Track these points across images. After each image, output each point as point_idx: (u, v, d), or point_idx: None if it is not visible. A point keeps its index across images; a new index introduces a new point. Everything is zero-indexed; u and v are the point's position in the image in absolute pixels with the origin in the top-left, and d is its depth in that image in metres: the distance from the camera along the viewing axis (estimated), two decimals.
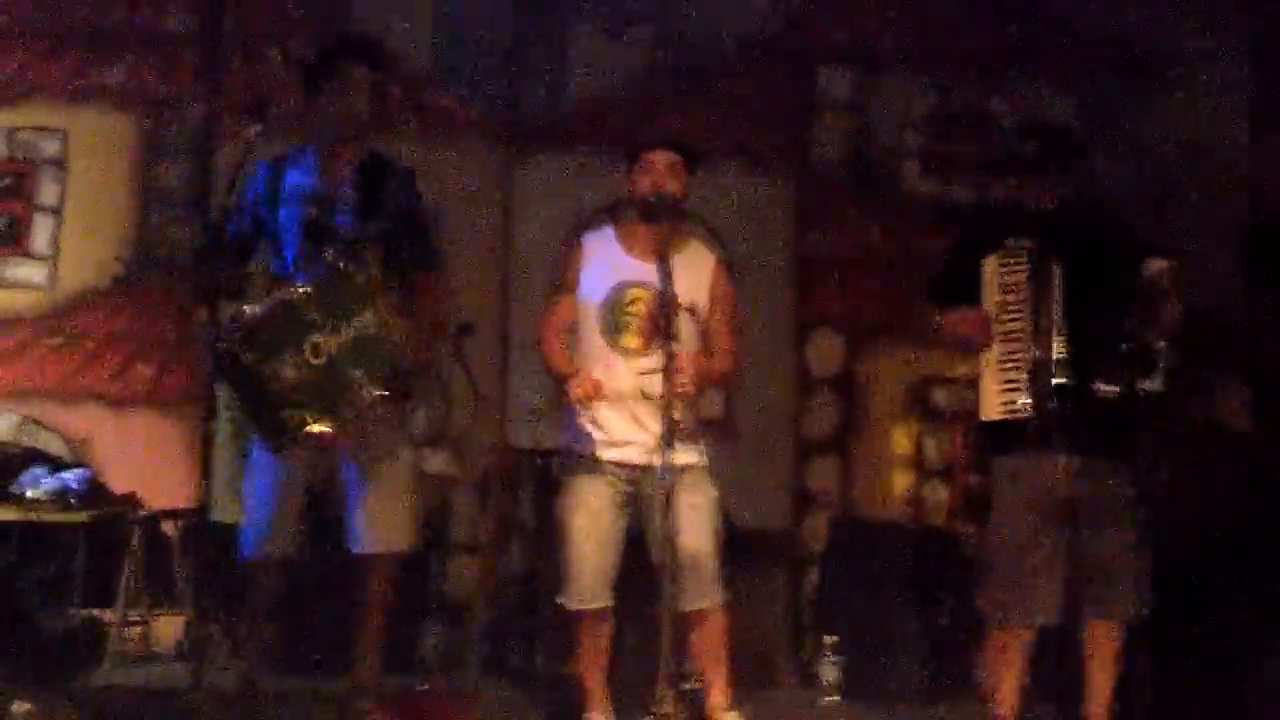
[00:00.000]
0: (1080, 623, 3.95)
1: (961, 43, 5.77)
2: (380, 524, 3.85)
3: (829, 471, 5.65)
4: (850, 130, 5.78)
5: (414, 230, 3.89)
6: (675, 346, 3.65)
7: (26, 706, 3.22)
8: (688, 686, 4.40)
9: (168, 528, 4.71)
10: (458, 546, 5.09)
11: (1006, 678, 3.96)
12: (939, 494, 5.65)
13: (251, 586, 3.87)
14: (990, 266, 3.93)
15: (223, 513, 4.98)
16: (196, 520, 4.76)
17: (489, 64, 5.53)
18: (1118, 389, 3.76)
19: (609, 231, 4.09)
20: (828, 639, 4.80)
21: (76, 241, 5.26)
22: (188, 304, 4.79)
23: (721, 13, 5.64)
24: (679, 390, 3.66)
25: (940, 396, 5.67)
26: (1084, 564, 3.89)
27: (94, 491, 4.65)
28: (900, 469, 5.69)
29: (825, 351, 5.72)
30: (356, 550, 3.85)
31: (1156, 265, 3.82)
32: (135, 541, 4.54)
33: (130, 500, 4.69)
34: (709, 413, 4.54)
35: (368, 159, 3.91)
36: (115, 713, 3.03)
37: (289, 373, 3.51)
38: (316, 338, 3.55)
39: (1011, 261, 3.90)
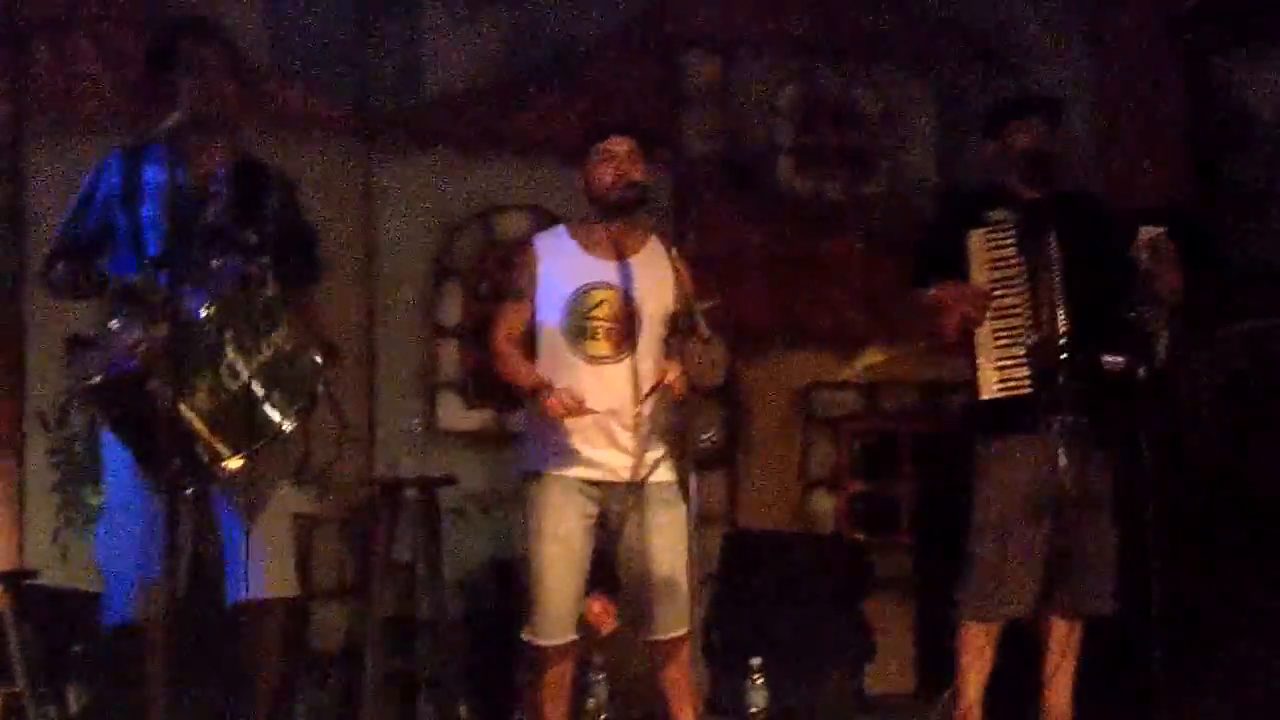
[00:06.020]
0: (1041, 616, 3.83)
1: (819, 31, 5.59)
2: (274, 567, 3.42)
3: (718, 486, 5.36)
4: (719, 124, 5.51)
5: (299, 240, 3.49)
6: (655, 351, 3.53)
7: None
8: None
9: None
10: (324, 593, 4.62)
11: (974, 672, 3.81)
12: (826, 503, 5.44)
13: (133, 653, 3.35)
14: (976, 240, 3.77)
15: (49, 575, 4.45)
16: (26, 586, 4.19)
17: (334, 54, 5.02)
18: (1124, 360, 3.63)
19: (562, 231, 3.77)
20: (754, 661, 4.51)
21: None
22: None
23: None
24: (674, 397, 3.48)
25: (824, 402, 5.47)
26: (1061, 557, 3.75)
27: None
28: (788, 478, 5.44)
29: None
30: (248, 597, 3.38)
31: (1150, 232, 3.70)
32: None
33: None
34: None
35: (240, 160, 3.49)
36: None
37: (203, 401, 3.06)
38: (231, 359, 3.11)
39: (1000, 233, 3.76)
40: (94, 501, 4.59)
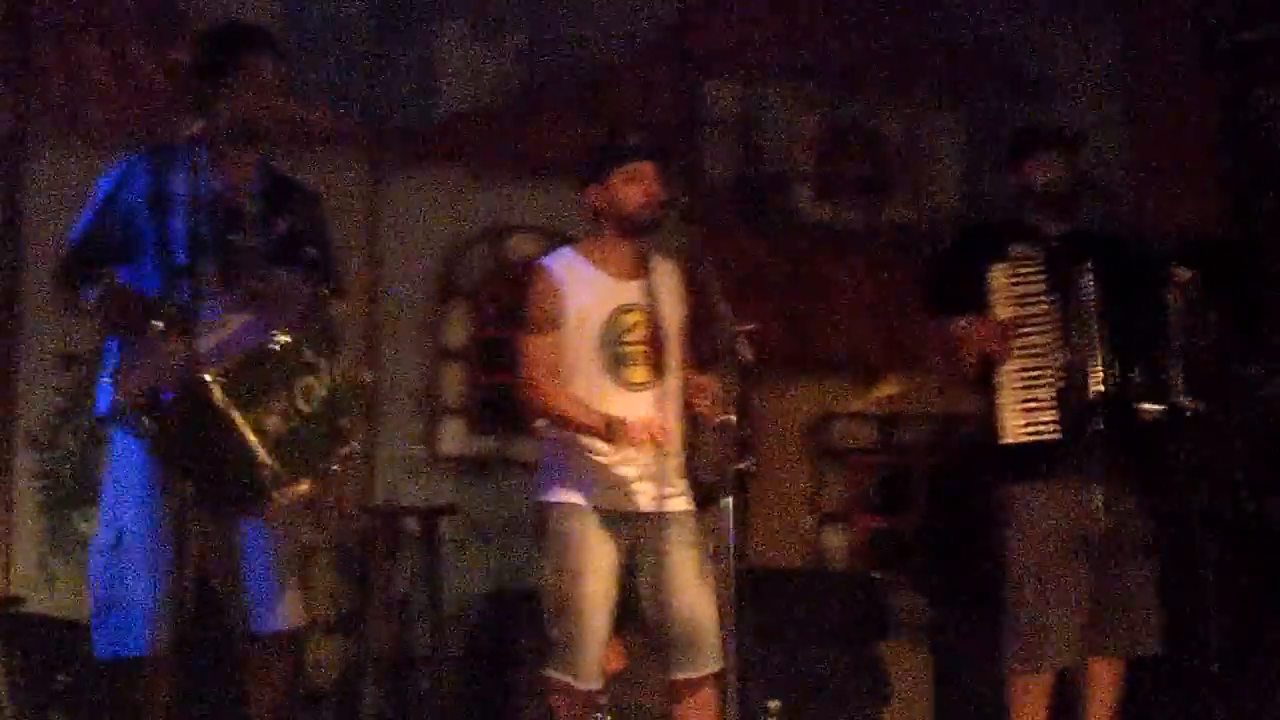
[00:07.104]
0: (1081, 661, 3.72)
1: (845, 58, 5.49)
2: (294, 597, 3.31)
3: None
4: (739, 149, 5.40)
5: (326, 257, 3.39)
6: (679, 369, 3.45)
7: None
8: None
9: None
10: (318, 625, 4.49)
11: None
12: (839, 539, 5.30)
13: (136, 688, 3.17)
14: (1000, 276, 3.64)
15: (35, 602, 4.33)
16: (11, 614, 4.08)
17: (347, 70, 4.93)
18: (1163, 408, 3.50)
19: (571, 253, 3.61)
20: (771, 704, 4.35)
21: None
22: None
23: (599, 16, 5.18)
24: (714, 419, 3.38)
25: (838, 433, 5.33)
26: (1102, 599, 3.64)
27: None
28: (800, 512, 5.30)
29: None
30: (276, 629, 3.29)
31: (1186, 273, 3.57)
32: None
33: None
34: None
35: (266, 171, 3.40)
36: None
37: (274, 422, 2.92)
38: (309, 380, 2.99)
39: (1025, 268, 3.63)
40: (83, 527, 4.48)
